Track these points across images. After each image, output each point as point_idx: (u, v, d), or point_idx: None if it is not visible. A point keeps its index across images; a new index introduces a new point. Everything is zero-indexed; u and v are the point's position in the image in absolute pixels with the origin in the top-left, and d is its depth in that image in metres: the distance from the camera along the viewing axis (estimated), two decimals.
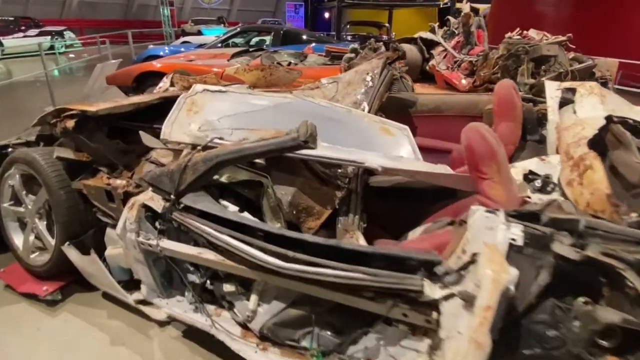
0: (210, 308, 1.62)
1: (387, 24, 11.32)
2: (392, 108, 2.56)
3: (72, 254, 1.86)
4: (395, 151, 2.09)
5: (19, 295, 2.04)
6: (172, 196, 1.50)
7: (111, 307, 2.00)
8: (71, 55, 13.32)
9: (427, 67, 6.62)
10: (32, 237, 2.09)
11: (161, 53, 7.62)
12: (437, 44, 6.82)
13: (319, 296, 1.23)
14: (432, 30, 7.03)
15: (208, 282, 1.60)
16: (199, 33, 16.18)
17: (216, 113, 1.94)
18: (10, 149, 2.37)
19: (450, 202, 1.80)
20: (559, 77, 4.20)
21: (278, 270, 1.23)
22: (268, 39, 7.89)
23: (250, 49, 5.58)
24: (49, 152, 1.96)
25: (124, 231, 1.61)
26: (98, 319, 1.93)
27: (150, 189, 1.60)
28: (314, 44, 5.98)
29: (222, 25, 19.68)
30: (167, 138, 1.72)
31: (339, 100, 2.44)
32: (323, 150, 1.66)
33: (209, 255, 1.42)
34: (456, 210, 1.70)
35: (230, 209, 1.53)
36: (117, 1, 20.45)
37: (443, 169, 1.80)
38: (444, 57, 6.59)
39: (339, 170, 1.91)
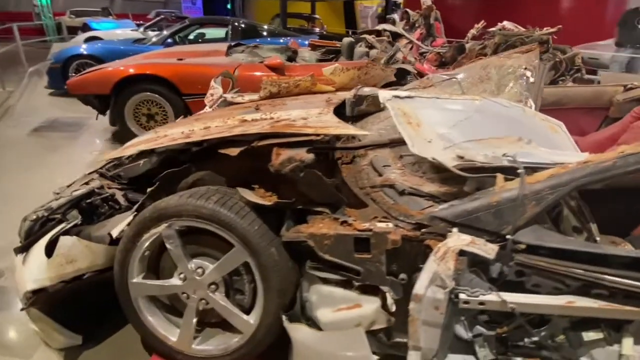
0: None
1: (319, 17, 11.16)
2: None
3: (301, 332, 1.36)
4: (569, 149, 2.01)
5: None
6: (508, 237, 1.18)
7: None
8: None
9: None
10: (195, 320, 1.48)
11: (84, 52, 6.36)
12: (399, 36, 6.94)
13: None
14: (393, 22, 7.11)
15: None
16: (86, 27, 13.94)
17: (435, 124, 1.61)
18: (95, 198, 1.67)
19: None
20: (555, 66, 4.58)
21: None
22: (215, 32, 7.11)
23: (232, 44, 4.92)
24: (227, 197, 1.39)
25: (426, 289, 1.22)
26: None
27: (456, 229, 1.24)
28: (299, 39, 5.53)
29: (110, 17, 17.28)
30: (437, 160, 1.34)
31: None
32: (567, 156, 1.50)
33: (585, 302, 1.15)
34: None
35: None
36: None
37: None
38: (410, 49, 6.73)
39: None
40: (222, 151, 1.42)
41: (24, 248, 1.44)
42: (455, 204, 1.27)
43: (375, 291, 1.42)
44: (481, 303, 1.20)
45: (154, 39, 6.49)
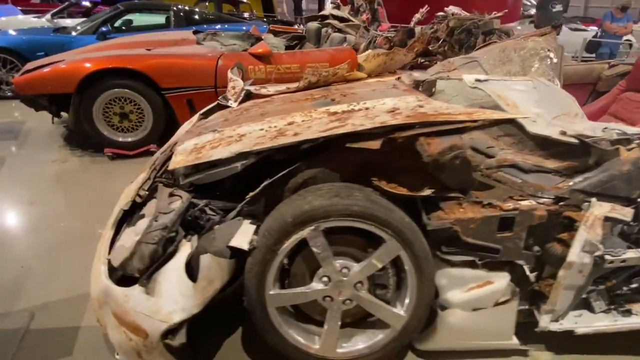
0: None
1: (247, 1, 10.70)
2: None
3: (454, 315, 1.40)
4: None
5: None
6: (639, 200, 1.35)
7: None
8: None
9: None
10: (339, 323, 1.42)
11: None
12: (347, 21, 7.03)
13: None
14: (337, 8, 7.15)
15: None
16: None
17: (525, 104, 1.72)
18: (194, 210, 1.49)
19: None
20: None
21: None
22: (147, 18, 6.45)
23: (194, 31, 4.55)
24: (366, 193, 1.35)
25: (577, 256, 1.34)
26: None
27: (594, 199, 1.37)
28: (259, 26, 5.28)
29: None
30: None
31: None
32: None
33: None
34: None
35: None
36: None
37: None
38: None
39: None
40: (361, 145, 1.37)
41: (150, 275, 1.23)
42: (590, 176, 1.40)
43: (501, 267, 1.51)
44: (623, 261, 1.36)
45: (80, 28, 5.67)
